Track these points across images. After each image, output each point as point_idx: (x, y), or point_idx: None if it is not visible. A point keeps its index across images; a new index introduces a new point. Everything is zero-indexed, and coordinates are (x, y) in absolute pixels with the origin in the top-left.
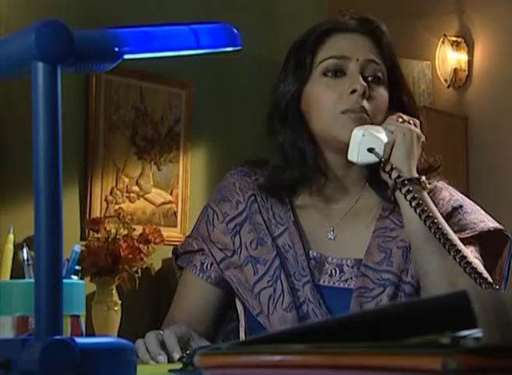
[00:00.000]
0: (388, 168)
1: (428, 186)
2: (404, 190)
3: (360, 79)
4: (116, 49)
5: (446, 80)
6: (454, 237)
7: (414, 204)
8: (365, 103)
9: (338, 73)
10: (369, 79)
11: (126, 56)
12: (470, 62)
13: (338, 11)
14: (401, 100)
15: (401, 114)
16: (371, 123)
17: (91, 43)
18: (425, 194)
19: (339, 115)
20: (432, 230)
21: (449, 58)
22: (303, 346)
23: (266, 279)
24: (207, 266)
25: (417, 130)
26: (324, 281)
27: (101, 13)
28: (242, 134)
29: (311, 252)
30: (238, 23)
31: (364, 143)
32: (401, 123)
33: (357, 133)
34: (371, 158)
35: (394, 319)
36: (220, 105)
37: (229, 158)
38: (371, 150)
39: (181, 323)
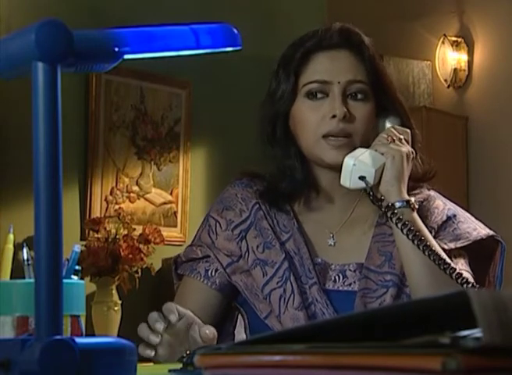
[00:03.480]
0: (376, 199)
1: (416, 206)
2: (394, 219)
3: (340, 103)
4: (116, 49)
5: (446, 80)
6: (445, 256)
7: (405, 231)
8: (345, 126)
9: (320, 95)
10: (351, 97)
11: (126, 56)
12: (470, 62)
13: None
14: (389, 108)
15: (392, 130)
16: (357, 146)
17: (91, 43)
18: (414, 215)
19: (320, 138)
20: (426, 253)
21: (449, 58)
22: (303, 346)
23: (275, 280)
24: (211, 273)
25: (406, 147)
26: (329, 286)
27: (101, 13)
28: (242, 134)
29: (316, 259)
30: (238, 23)
31: (356, 171)
32: (392, 142)
33: (349, 162)
34: (363, 185)
35: (394, 319)
36: (220, 105)
37: (229, 158)
38: (362, 178)
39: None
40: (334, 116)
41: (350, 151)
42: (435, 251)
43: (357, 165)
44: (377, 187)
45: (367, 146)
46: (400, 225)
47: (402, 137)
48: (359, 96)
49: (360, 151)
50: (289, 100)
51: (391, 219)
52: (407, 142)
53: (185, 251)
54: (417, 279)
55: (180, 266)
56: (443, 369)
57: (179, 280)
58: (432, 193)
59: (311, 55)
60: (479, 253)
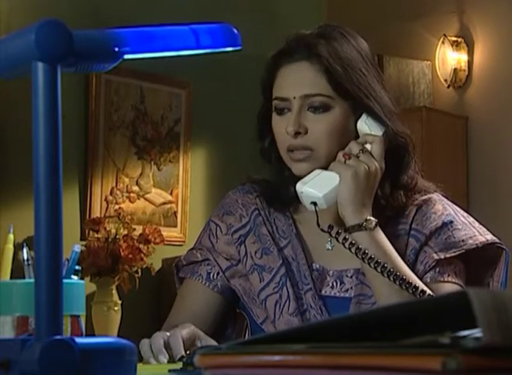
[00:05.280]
0: (325, 228)
1: (371, 227)
2: (347, 244)
3: (293, 120)
4: (116, 49)
5: (446, 80)
6: (408, 275)
7: (360, 256)
8: (303, 141)
9: (285, 110)
10: (310, 111)
11: (126, 56)
12: (470, 62)
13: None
14: (363, 111)
15: (352, 146)
16: (322, 158)
17: (91, 43)
18: (374, 235)
19: (286, 152)
20: (385, 275)
21: (449, 58)
22: (303, 346)
23: (272, 286)
24: (213, 276)
25: (367, 162)
26: (326, 292)
27: (101, 13)
28: (242, 134)
29: (314, 265)
30: (238, 23)
31: (306, 197)
32: (348, 159)
33: (298, 189)
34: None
35: (394, 320)
36: (220, 105)
37: (229, 158)
38: (313, 203)
39: (187, 324)
40: (288, 133)
41: (310, 172)
42: (393, 271)
43: (305, 191)
44: (320, 224)
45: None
46: (353, 250)
47: (368, 147)
48: (318, 109)
49: (314, 173)
50: (268, 114)
51: (343, 244)
52: (372, 153)
53: (186, 255)
54: (382, 301)
55: (181, 269)
56: (443, 369)
57: (180, 283)
58: (435, 196)
59: (279, 69)
60: (482, 258)
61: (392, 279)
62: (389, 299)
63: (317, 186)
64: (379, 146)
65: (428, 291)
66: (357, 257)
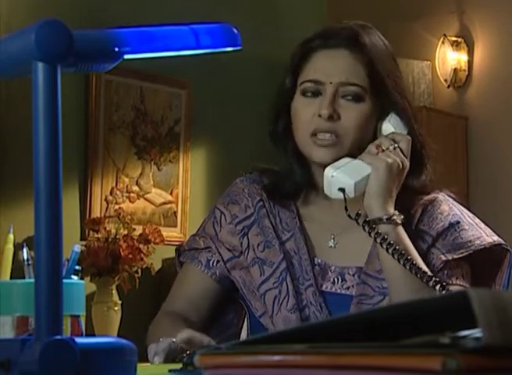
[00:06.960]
0: (353, 215)
1: (399, 222)
2: (373, 234)
3: (328, 103)
4: (116, 49)
5: (446, 80)
6: (426, 269)
7: (384, 246)
8: (333, 125)
9: (315, 93)
10: (343, 99)
11: (126, 56)
12: (470, 62)
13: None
14: (391, 112)
15: (384, 138)
16: (346, 148)
17: (91, 43)
18: (397, 229)
19: (308, 136)
20: (407, 267)
21: (449, 58)
22: (303, 346)
23: (272, 280)
24: (213, 263)
25: (395, 158)
26: (326, 287)
27: (101, 13)
28: (242, 134)
29: (316, 259)
30: (238, 23)
31: (335, 183)
32: (380, 152)
33: (328, 173)
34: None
35: (394, 319)
36: (220, 105)
37: (229, 158)
38: (341, 190)
39: (187, 330)
40: (321, 115)
41: (336, 159)
42: (416, 264)
43: (336, 176)
44: (351, 210)
45: (361, 150)
46: (378, 240)
47: (396, 145)
48: (351, 98)
49: (344, 160)
50: (289, 96)
51: (369, 233)
52: (402, 151)
53: (188, 241)
54: (399, 294)
55: (183, 253)
56: (443, 369)
57: (181, 267)
58: (440, 196)
59: (313, 53)
60: (487, 259)
61: (413, 272)
62: (413, 294)
63: (348, 173)
64: (407, 145)
65: (448, 287)
66: (382, 247)
